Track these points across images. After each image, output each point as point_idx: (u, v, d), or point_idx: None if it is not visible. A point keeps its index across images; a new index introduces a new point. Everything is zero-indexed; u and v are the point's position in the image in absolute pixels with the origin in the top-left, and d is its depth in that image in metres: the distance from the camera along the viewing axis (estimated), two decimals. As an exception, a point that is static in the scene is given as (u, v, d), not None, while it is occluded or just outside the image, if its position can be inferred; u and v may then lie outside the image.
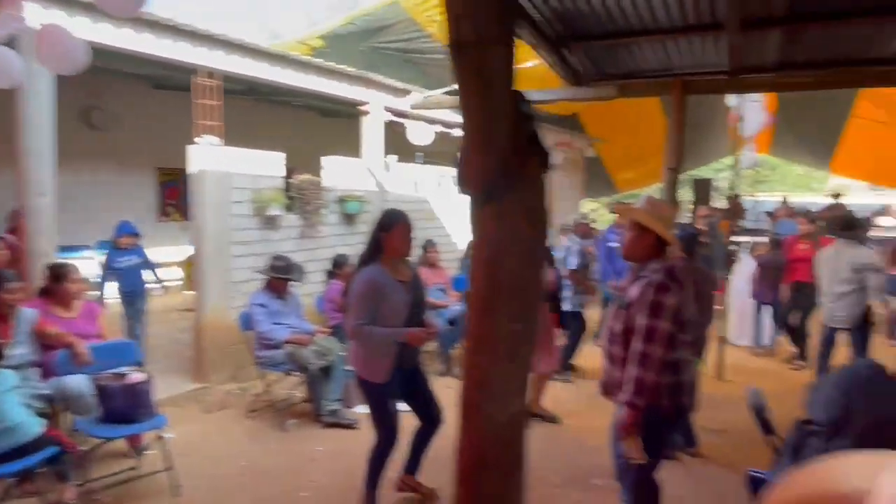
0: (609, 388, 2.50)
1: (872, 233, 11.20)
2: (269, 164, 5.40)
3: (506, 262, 1.16)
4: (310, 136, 9.43)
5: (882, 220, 11.55)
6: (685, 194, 16.37)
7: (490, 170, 1.16)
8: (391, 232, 3.00)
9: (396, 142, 7.15)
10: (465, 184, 1.18)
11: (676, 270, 2.41)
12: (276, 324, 4.48)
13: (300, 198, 5.67)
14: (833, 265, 5.03)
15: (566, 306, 5.37)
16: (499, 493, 1.30)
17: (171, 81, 7.62)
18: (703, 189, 12.93)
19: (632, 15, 3.66)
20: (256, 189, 5.27)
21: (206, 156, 4.89)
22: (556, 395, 4.99)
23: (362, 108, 6.46)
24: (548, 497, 3.55)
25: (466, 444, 1.27)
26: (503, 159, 1.16)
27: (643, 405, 2.31)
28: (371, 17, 5.98)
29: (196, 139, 4.89)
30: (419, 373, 3.27)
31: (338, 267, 5.19)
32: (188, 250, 6.87)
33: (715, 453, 3.99)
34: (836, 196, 14.12)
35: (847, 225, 5.39)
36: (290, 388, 4.86)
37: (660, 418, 2.38)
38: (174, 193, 9.50)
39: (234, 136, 5.31)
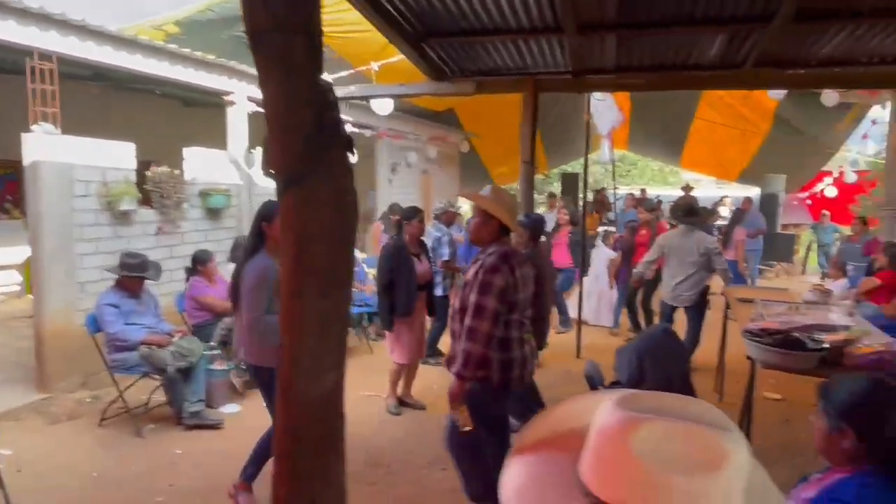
0: (450, 362, 2.69)
1: (716, 221, 12.61)
2: (117, 155, 5.04)
3: (311, 245, 1.22)
4: (172, 126, 8.87)
5: (722, 210, 12.94)
6: (555, 187, 17.42)
7: (292, 156, 1.21)
8: (272, 222, 3.00)
9: (264, 134, 6.96)
10: (269, 169, 1.22)
11: (511, 254, 2.62)
12: (129, 324, 4.22)
13: (157, 191, 5.35)
14: (680, 249, 5.58)
15: (438, 291, 5.54)
16: (316, 467, 1.36)
17: (4, 64, 6.85)
18: (570, 183, 13.77)
19: (483, 15, 3.84)
20: (104, 182, 4.90)
21: (43, 145, 4.47)
22: (429, 380, 5.16)
23: (226, 97, 6.21)
24: (414, 478, 3.70)
25: (282, 421, 1.31)
26: (305, 146, 1.21)
27: (470, 376, 2.50)
28: (230, 4, 5.74)
29: (32, 127, 4.46)
30: None
31: (200, 263, 4.97)
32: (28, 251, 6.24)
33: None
34: (687, 188, 15.67)
35: (689, 212, 6.05)
36: (148, 391, 4.60)
37: (489, 391, 2.57)
38: (13, 188, 8.55)
39: (83, 125, 4.89)
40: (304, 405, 1.29)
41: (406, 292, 4.42)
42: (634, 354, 1.91)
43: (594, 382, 2.98)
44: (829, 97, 7.23)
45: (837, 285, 6.50)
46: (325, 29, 4.57)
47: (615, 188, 11.75)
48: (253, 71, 5.27)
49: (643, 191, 16.57)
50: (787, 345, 2.87)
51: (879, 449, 1.49)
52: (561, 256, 6.99)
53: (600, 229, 9.38)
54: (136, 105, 8.66)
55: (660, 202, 14.44)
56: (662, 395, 0.83)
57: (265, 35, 1.15)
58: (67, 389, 4.72)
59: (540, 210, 8.54)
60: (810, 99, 8.05)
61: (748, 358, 3.15)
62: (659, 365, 1.86)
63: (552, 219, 7.79)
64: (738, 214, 10.46)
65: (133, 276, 4.24)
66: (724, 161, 13.33)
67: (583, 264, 6.56)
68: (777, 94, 7.40)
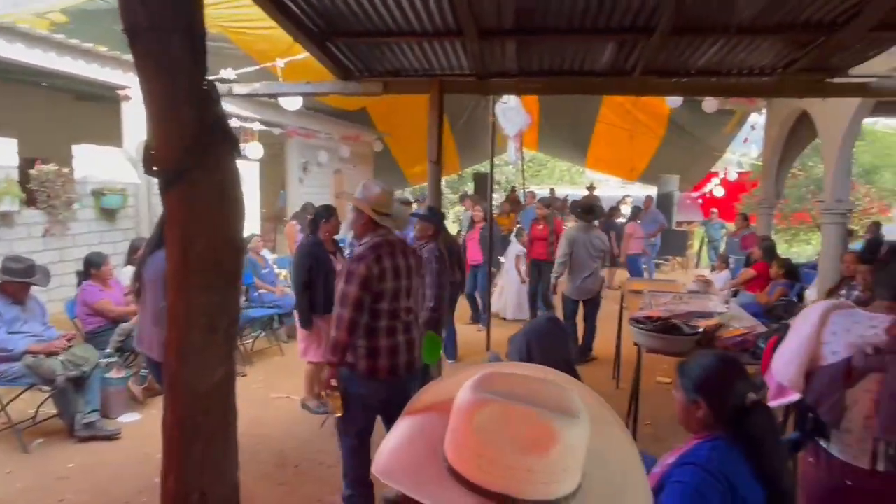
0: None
1: (618, 219, 13.38)
2: (-4, 152, 4.68)
3: (196, 241, 1.24)
4: (62, 122, 8.29)
5: (623, 209, 13.73)
6: (469, 187, 17.77)
7: (174, 153, 1.22)
8: None
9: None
10: (150, 167, 1.23)
11: (381, 245, 2.73)
12: (12, 333, 3.94)
13: (43, 191, 5.01)
14: (584, 245, 5.90)
15: None
16: (206, 459, 1.38)
17: None
18: (482, 182, 14.11)
19: (388, 17, 3.89)
20: (-19, 180, 4.54)
21: None
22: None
23: (121, 92, 5.90)
24: (323, 476, 3.72)
25: (170, 414, 1.32)
26: (187, 143, 1.23)
27: (338, 363, 2.60)
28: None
29: None
30: None
31: (93, 266, 4.69)
32: None
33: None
34: (591, 188, 16.47)
35: (587, 210, 6.42)
36: (35, 404, 4.30)
37: (356, 378, 2.68)
38: None
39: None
40: (192, 398, 1.31)
41: (325, 290, 4.42)
42: (523, 342, 2.05)
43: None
44: (709, 104, 7.88)
45: (721, 277, 7.10)
46: (230, 25, 4.46)
47: (524, 187, 12.18)
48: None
49: (552, 190, 17.27)
50: (665, 330, 3.14)
51: (726, 415, 1.70)
52: (475, 252, 7.19)
53: (516, 227, 9.72)
54: (19, 98, 8.01)
55: (565, 200, 15.16)
56: (520, 378, 0.92)
57: (143, 33, 1.16)
58: (-60, 406, 4.33)
59: (458, 209, 8.78)
60: (699, 106, 8.75)
61: (635, 344, 3.42)
62: (545, 351, 2.00)
63: (468, 217, 8.03)
64: (635, 212, 11.19)
65: (17, 281, 3.96)
66: (625, 162, 14.16)
67: (490, 260, 6.79)
68: (674, 102, 7.96)
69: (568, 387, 0.92)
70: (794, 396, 1.86)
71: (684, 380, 1.77)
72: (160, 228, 3.08)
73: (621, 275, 9.72)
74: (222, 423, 1.39)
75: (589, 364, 5.93)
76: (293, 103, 6.32)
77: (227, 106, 7.02)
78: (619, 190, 20.53)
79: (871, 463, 1.70)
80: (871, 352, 1.69)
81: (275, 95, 5.85)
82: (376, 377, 2.70)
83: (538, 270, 6.96)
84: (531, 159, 23.13)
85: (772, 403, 2.00)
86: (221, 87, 5.30)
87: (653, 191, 13.98)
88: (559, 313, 6.26)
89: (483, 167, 18.73)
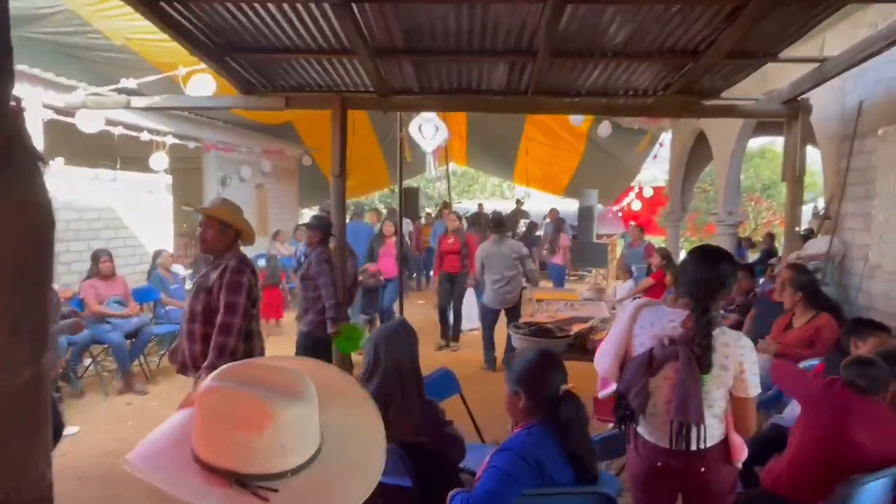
0: (185, 365, 2.92)
1: (537, 231, 13.86)
2: None
3: (-3, 247, 1.28)
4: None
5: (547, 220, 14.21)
6: (395, 202, 17.89)
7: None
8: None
9: (72, 143, 6.48)
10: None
11: (247, 258, 2.99)
12: None
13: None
14: (497, 256, 6.12)
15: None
16: (13, 460, 1.41)
17: None
18: (411, 197, 14.27)
19: (282, 35, 3.98)
20: None
21: None
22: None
23: (13, 104, 5.68)
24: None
25: (-26, 417, 1.35)
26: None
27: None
28: (16, 5, 5.30)
29: None
30: None
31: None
32: None
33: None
34: (519, 203, 16.94)
35: (498, 223, 6.69)
36: None
37: None
38: None
39: None
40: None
41: None
42: (373, 342, 2.17)
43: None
44: (604, 128, 8.30)
45: (625, 286, 7.48)
46: (133, 37, 4.39)
47: (445, 203, 12.42)
48: (49, 76, 4.90)
49: (480, 205, 17.61)
50: (538, 334, 3.33)
51: (542, 404, 1.86)
52: (388, 267, 7.28)
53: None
54: None
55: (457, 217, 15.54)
56: (257, 367, 1.03)
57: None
58: None
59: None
60: (614, 125, 9.24)
61: (514, 348, 3.60)
62: (391, 350, 2.13)
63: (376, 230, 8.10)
64: (560, 224, 11.59)
65: None
66: (550, 177, 14.66)
67: (401, 274, 6.97)
68: (576, 120, 8.36)
69: (308, 372, 1.04)
70: (613, 387, 2.05)
71: (509, 373, 1.93)
72: None
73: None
74: (33, 422, 1.43)
75: (495, 372, 6.10)
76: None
77: (137, 119, 6.88)
78: (546, 205, 21.17)
79: (670, 443, 1.90)
80: (668, 343, 1.90)
81: (175, 108, 5.80)
82: None
83: (451, 284, 7.08)
84: (462, 174, 23.52)
85: (600, 394, 2.20)
86: (120, 99, 5.23)
87: (573, 204, 14.53)
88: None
89: (415, 182, 18.95)
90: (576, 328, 3.53)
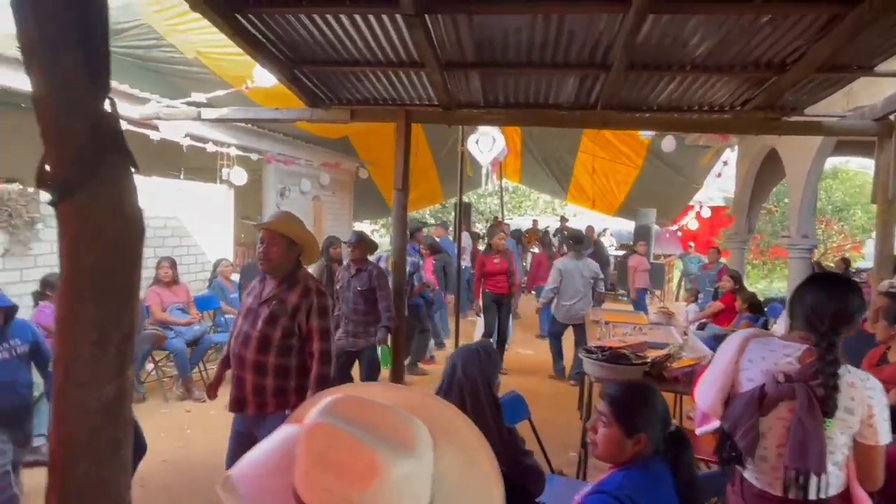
0: (246, 401, 2.66)
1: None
2: (-42, 171, 4.66)
3: (86, 256, 1.24)
4: (33, 141, 8.27)
5: (603, 241, 13.89)
6: (450, 216, 17.87)
7: (65, 167, 1.23)
8: None
9: (144, 154, 6.68)
10: (41, 180, 1.24)
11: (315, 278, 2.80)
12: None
13: (5, 210, 4.97)
14: (573, 273, 6.23)
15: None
16: (94, 479, 1.35)
17: None
18: (464, 212, 14.20)
19: (352, 48, 3.97)
20: (-60, 198, 4.50)
21: None
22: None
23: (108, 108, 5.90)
24: None
25: (57, 430, 1.30)
26: (78, 157, 1.24)
27: (273, 404, 2.56)
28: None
29: None
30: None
31: (50, 288, 4.64)
32: None
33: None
34: (563, 220, 16.68)
35: (576, 240, 6.66)
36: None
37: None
38: None
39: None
40: (79, 415, 1.29)
41: None
42: (451, 362, 2.06)
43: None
44: (668, 143, 7.97)
45: (690, 309, 7.15)
46: (205, 50, 4.50)
47: (496, 219, 12.30)
48: (122, 87, 5.05)
49: (535, 221, 17.41)
50: (613, 360, 3.14)
51: (657, 445, 1.68)
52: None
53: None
54: (-4, 118, 8.01)
55: (546, 231, 15.35)
56: (369, 405, 0.91)
57: (35, 49, 1.18)
58: None
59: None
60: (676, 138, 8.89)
61: (586, 373, 3.42)
62: (468, 372, 2.01)
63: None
64: (633, 247, 11.10)
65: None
66: (606, 192, 14.32)
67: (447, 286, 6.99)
68: (647, 133, 8.11)
69: (415, 407, 0.92)
70: (715, 424, 1.86)
71: (625, 416, 1.71)
72: None
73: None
74: (112, 442, 1.37)
75: (557, 393, 5.93)
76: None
77: (204, 130, 7.05)
78: (591, 222, 20.71)
79: (783, 491, 1.70)
80: (783, 379, 1.70)
81: (243, 121, 5.90)
82: None
83: (497, 306, 6.92)
84: (514, 190, 23.34)
85: (698, 430, 2.01)
86: (191, 111, 5.34)
87: (629, 224, 14.14)
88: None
89: (467, 197, 18.91)
90: (650, 355, 3.34)
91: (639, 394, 1.75)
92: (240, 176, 7.62)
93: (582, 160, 12.73)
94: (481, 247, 10.11)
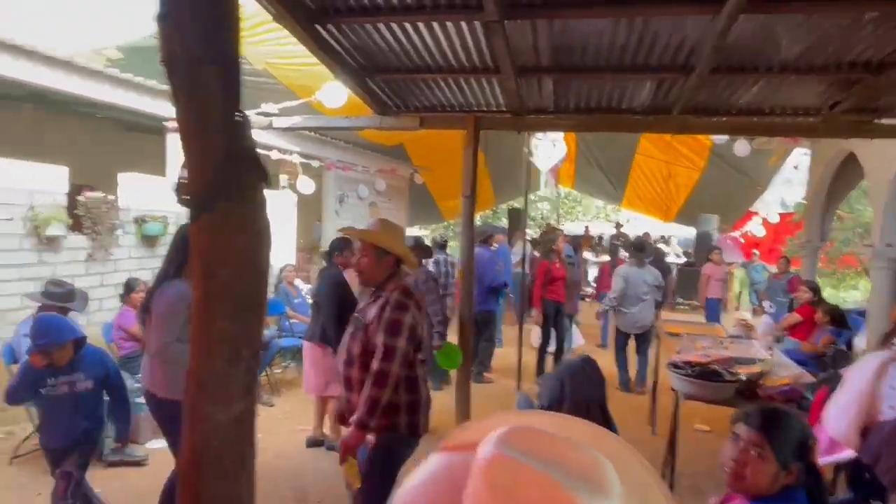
0: (345, 415, 2.50)
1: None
2: (47, 179, 4.86)
3: (221, 270, 1.23)
4: (112, 151, 8.63)
5: (663, 248, 13.51)
6: (503, 223, 17.75)
7: (204, 182, 1.22)
8: None
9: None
10: (181, 195, 1.24)
11: (410, 289, 2.53)
12: (50, 356, 4.01)
13: (89, 217, 5.17)
14: (636, 281, 6.08)
15: None
16: (222, 493, 1.34)
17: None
18: (516, 218, 14.07)
19: (425, 55, 3.96)
20: (31, 206, 4.71)
21: (-35, 166, 4.29)
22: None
23: (167, 123, 6.11)
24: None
25: (188, 445, 1.29)
26: (217, 172, 1.23)
27: (374, 426, 2.35)
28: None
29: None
30: None
31: (130, 291, 4.80)
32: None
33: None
34: (618, 226, 16.30)
35: (639, 248, 6.50)
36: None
37: (397, 439, 2.39)
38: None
39: (12, 147, 4.71)
40: (211, 431, 1.28)
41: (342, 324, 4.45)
42: (556, 380, 1.98)
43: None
44: (741, 147, 7.60)
45: (762, 321, 6.83)
46: (274, 62, 4.59)
47: (549, 224, 12.08)
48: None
49: (587, 228, 17.10)
50: (705, 376, 2.99)
51: (802, 477, 1.56)
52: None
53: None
54: (72, 128, 8.40)
55: (600, 239, 15.05)
56: (549, 438, 0.84)
57: (179, 64, 1.18)
58: (-22, 425, 4.43)
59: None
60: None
61: (673, 389, 3.27)
62: (578, 390, 1.92)
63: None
64: (705, 254, 10.58)
65: (55, 305, 4.05)
66: (664, 195, 13.89)
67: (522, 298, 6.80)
68: (719, 139, 7.82)
69: (604, 452, 0.85)
70: (848, 453, 1.72)
71: (784, 447, 1.56)
72: (172, 261, 2.94)
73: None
74: (241, 458, 1.35)
75: (624, 407, 5.73)
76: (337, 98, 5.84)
77: (269, 138, 7.20)
78: (648, 229, 20.21)
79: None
80: (934, 410, 1.56)
81: (314, 128, 5.98)
82: (417, 434, 2.46)
83: (557, 314, 6.76)
84: (565, 196, 23.03)
85: (823, 460, 1.86)
86: (262, 120, 5.45)
87: (688, 231, 13.68)
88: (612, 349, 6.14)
89: (518, 203, 18.75)
90: (742, 371, 3.17)
91: (796, 422, 1.61)
92: (307, 185, 7.76)
93: (640, 163, 12.37)
94: (536, 252, 9.94)
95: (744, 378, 3.03)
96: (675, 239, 16.56)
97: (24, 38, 4.45)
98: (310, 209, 9.38)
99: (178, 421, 2.91)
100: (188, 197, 1.25)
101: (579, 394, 1.90)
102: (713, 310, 9.38)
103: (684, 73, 3.94)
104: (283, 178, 8.57)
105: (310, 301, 7.19)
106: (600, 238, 14.91)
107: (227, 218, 1.25)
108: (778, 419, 1.60)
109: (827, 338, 5.42)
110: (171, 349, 2.78)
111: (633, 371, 6.36)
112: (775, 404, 1.94)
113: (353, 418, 2.35)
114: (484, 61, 3.99)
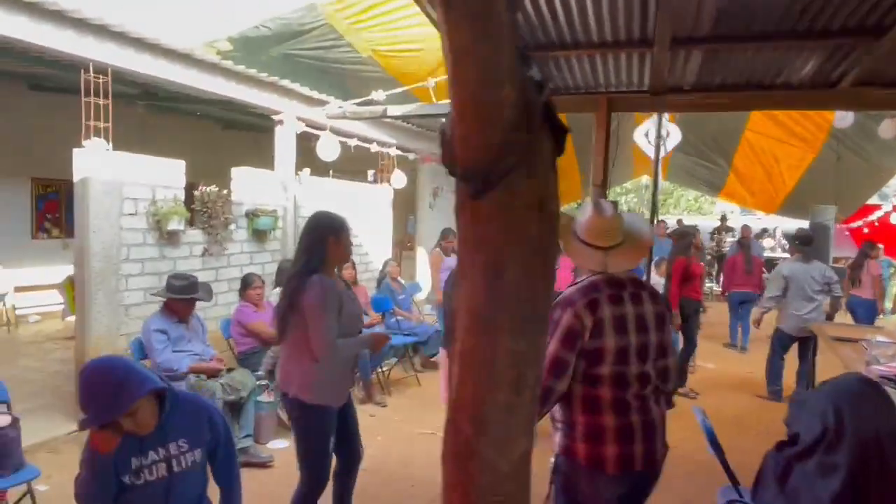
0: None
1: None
2: (167, 173, 4.85)
3: (510, 268, 0.92)
4: (212, 148, 8.80)
5: (767, 242, 12.49)
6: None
7: (490, 149, 0.91)
8: (340, 238, 2.71)
9: (307, 155, 6.79)
10: (455, 166, 0.92)
11: (599, 286, 1.99)
12: (176, 351, 3.95)
13: (205, 211, 5.15)
14: (804, 278, 5.54)
15: None
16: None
17: (51, 81, 6.82)
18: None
19: (565, 27, 3.59)
20: (153, 200, 4.70)
21: (94, 161, 4.30)
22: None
23: (276, 117, 6.04)
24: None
25: (458, 498, 0.99)
26: (507, 136, 0.91)
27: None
28: (286, 20, 5.62)
29: (84, 142, 4.29)
30: (349, 400, 2.93)
31: (246, 287, 4.71)
32: (68, 270, 6.06)
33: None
34: (723, 219, 15.26)
35: (805, 241, 5.85)
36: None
37: (574, 470, 1.97)
38: (53, 207, 8.52)
39: (127, 145, 4.72)
40: (490, 480, 0.98)
41: None
42: (829, 406, 1.57)
43: (713, 438, 2.63)
44: (886, 128, 6.61)
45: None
46: (380, 49, 4.32)
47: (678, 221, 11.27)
48: (303, 90, 5.01)
49: (679, 221, 16.17)
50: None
51: None
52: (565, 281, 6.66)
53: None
54: (178, 126, 8.61)
55: (697, 231, 14.06)
56: None
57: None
58: (107, 419, 4.46)
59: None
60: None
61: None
62: (864, 420, 1.52)
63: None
64: (868, 248, 9.39)
65: (183, 298, 3.97)
66: (764, 191, 12.76)
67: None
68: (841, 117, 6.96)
69: None
70: None
71: None
72: (315, 253, 2.68)
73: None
74: (517, 510, 1.04)
75: (769, 420, 5.16)
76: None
77: (366, 131, 7.05)
78: (745, 220, 18.88)
79: None
80: None
81: (427, 116, 5.74)
82: (602, 469, 1.93)
83: (695, 314, 6.19)
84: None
85: None
86: (376, 109, 5.25)
87: (799, 223, 12.54)
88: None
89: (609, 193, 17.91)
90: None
91: None
92: (399, 179, 7.58)
93: (749, 139, 11.20)
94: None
95: None
96: (779, 231, 15.39)
97: (138, 29, 4.40)
98: (403, 203, 9.22)
99: (314, 428, 2.73)
100: (467, 168, 0.94)
101: (868, 423, 1.50)
102: (865, 311, 8.03)
103: (870, 36, 3.38)
104: (370, 173, 8.42)
105: (412, 298, 7.01)
106: (696, 231, 13.94)
107: (520, 198, 0.94)
108: None
109: None
110: (336, 350, 2.61)
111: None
112: None
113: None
114: (631, 34, 3.58)
